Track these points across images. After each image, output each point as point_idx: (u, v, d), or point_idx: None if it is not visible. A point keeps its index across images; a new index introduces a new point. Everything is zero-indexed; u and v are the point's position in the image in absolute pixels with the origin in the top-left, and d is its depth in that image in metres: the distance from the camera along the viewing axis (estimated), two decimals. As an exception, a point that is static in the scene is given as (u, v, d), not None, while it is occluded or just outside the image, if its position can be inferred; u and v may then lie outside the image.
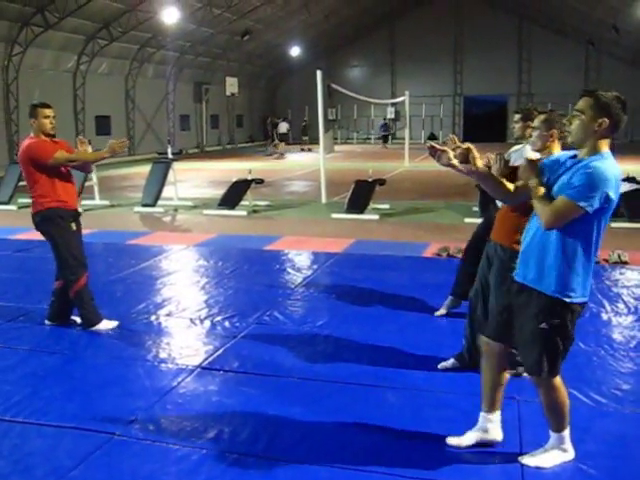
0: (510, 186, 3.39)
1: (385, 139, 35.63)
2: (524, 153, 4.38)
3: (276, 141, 30.67)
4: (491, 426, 3.58)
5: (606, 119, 2.99)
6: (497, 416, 3.59)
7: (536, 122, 3.98)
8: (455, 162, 3.35)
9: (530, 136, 4.09)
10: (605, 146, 3.07)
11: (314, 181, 17.05)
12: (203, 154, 32.24)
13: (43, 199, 5.42)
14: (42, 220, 5.49)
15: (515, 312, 3.34)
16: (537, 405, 3.52)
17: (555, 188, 3.11)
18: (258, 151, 32.54)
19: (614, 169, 3.02)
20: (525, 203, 3.34)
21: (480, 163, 3.23)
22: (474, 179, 3.41)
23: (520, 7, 36.01)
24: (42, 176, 5.38)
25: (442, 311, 5.88)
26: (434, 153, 3.31)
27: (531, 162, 3.25)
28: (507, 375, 3.59)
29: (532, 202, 3.18)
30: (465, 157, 3.21)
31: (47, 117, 5.39)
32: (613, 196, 3.00)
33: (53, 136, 5.47)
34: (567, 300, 3.13)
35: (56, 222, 5.44)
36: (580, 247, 3.09)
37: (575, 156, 3.15)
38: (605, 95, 3.01)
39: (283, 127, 30.88)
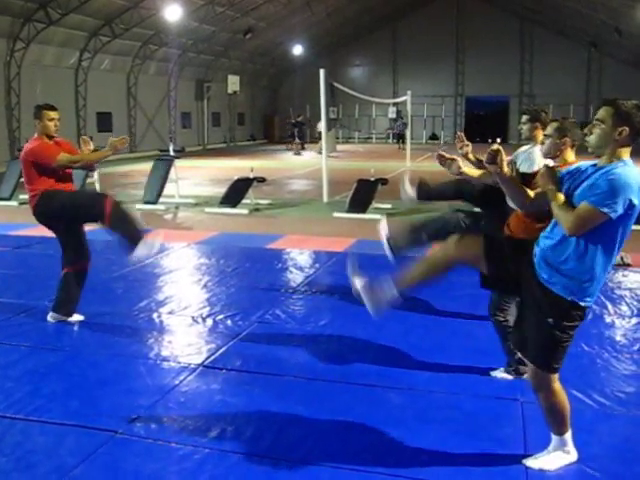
0: (530, 193, 3.37)
1: (401, 139, 33.90)
2: (533, 155, 4.36)
3: (297, 140, 30.87)
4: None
5: (627, 127, 2.99)
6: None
7: (549, 130, 3.97)
8: (465, 170, 3.35)
9: (542, 142, 4.08)
10: (626, 154, 3.06)
11: (315, 180, 17.04)
12: (205, 152, 32.23)
13: (39, 190, 5.42)
14: (40, 201, 5.43)
15: (526, 303, 3.34)
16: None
17: (576, 195, 3.09)
18: (277, 150, 32.70)
19: (636, 175, 2.99)
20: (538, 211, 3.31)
21: (506, 167, 3.21)
22: (497, 182, 3.37)
23: (522, 8, 35.98)
24: (42, 177, 5.40)
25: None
26: (444, 162, 3.30)
27: (549, 169, 3.23)
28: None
29: (552, 209, 3.16)
30: (494, 158, 3.19)
31: (52, 120, 5.41)
32: (636, 202, 2.96)
33: (54, 138, 5.50)
34: (582, 304, 3.14)
35: (55, 197, 5.42)
36: (602, 254, 3.08)
37: (595, 164, 3.13)
38: (625, 104, 3.01)
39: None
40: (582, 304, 3.14)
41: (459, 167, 3.28)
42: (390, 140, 38.24)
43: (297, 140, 31.41)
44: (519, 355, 3.86)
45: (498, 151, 3.19)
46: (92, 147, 5.72)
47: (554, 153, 3.91)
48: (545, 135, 4.02)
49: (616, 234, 3.06)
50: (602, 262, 3.10)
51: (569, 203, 3.10)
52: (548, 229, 3.27)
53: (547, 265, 3.21)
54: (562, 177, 3.24)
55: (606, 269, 3.13)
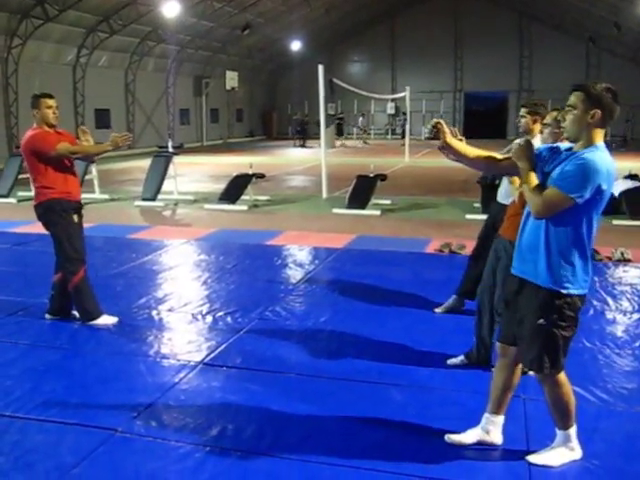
0: (497, 156, 3.39)
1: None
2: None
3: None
4: (493, 429, 3.54)
5: (598, 110, 3.01)
6: (500, 420, 3.55)
7: (548, 119, 3.96)
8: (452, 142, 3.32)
9: (541, 132, 4.06)
10: (599, 138, 3.07)
11: (314, 176, 17.01)
12: (203, 148, 32.18)
13: (46, 190, 5.37)
14: (45, 211, 5.44)
15: (514, 308, 3.33)
16: (543, 403, 3.49)
17: (551, 179, 3.09)
18: (276, 146, 32.96)
19: (606, 161, 3.01)
20: None
21: (449, 138, 3.20)
22: (448, 155, 3.37)
23: (521, 3, 35.91)
24: (45, 167, 5.34)
25: (441, 310, 5.83)
26: (442, 148, 3.28)
27: (529, 143, 3.21)
28: (518, 379, 3.54)
29: (523, 187, 3.17)
30: (437, 132, 3.18)
31: (50, 107, 5.35)
32: (605, 187, 2.99)
33: (54, 126, 5.43)
34: (563, 292, 3.11)
35: (59, 213, 5.39)
36: (571, 238, 3.08)
37: (571, 149, 3.14)
38: (595, 87, 3.03)
39: (363, 122, 36.60)
40: (564, 292, 3.11)
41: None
42: (389, 136, 38.19)
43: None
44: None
45: (438, 123, 3.17)
46: (90, 138, 5.66)
47: (552, 142, 3.90)
48: (544, 124, 4.01)
49: (582, 217, 3.06)
50: (573, 246, 3.08)
51: (542, 185, 3.11)
52: (522, 221, 3.26)
53: (523, 256, 3.22)
54: (541, 152, 3.23)
55: (581, 253, 3.11)
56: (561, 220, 3.06)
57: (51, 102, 5.37)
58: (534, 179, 3.13)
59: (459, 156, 3.32)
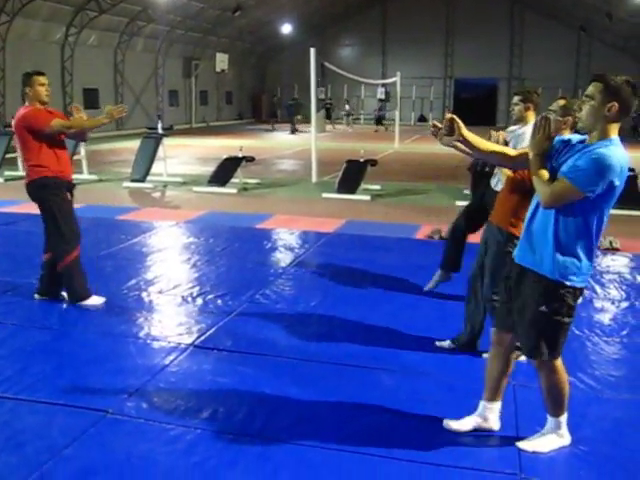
0: (511, 152, 3.37)
1: (380, 122, 34.50)
2: (525, 136, 4.32)
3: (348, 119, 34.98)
4: (491, 415, 3.57)
5: (616, 103, 2.96)
6: (497, 406, 3.58)
7: (554, 106, 3.93)
8: (457, 143, 3.30)
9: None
10: (614, 131, 3.04)
11: (304, 160, 16.95)
12: (192, 130, 31.98)
13: (39, 168, 5.32)
14: (38, 188, 5.37)
15: (515, 295, 3.33)
16: (533, 389, 3.53)
17: (561, 170, 3.07)
18: (265, 129, 32.96)
19: (620, 156, 2.98)
20: (524, 185, 3.29)
21: (465, 131, 3.16)
22: (466, 149, 3.35)
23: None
24: (38, 145, 5.29)
25: (431, 285, 5.87)
26: (436, 133, 3.26)
27: (547, 119, 3.14)
28: (512, 366, 3.56)
29: (532, 176, 3.15)
30: (451, 129, 3.15)
31: (42, 85, 5.30)
32: (617, 183, 2.97)
33: (46, 104, 5.38)
34: (568, 283, 3.13)
35: (52, 190, 5.35)
36: (581, 231, 3.08)
37: (584, 141, 3.11)
38: (615, 79, 2.98)
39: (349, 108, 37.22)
40: (568, 283, 3.12)
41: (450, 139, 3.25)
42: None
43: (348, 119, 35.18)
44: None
45: (453, 119, 3.14)
46: (84, 115, 5.60)
47: (554, 130, 3.87)
48: (549, 110, 3.97)
49: (594, 212, 3.05)
50: (582, 239, 3.09)
51: (552, 177, 3.09)
52: (530, 211, 3.26)
53: (528, 245, 3.22)
54: (555, 144, 3.21)
55: (589, 247, 3.12)
56: (572, 212, 3.05)
57: (43, 79, 5.31)
58: (544, 171, 3.10)
59: (472, 148, 3.28)
